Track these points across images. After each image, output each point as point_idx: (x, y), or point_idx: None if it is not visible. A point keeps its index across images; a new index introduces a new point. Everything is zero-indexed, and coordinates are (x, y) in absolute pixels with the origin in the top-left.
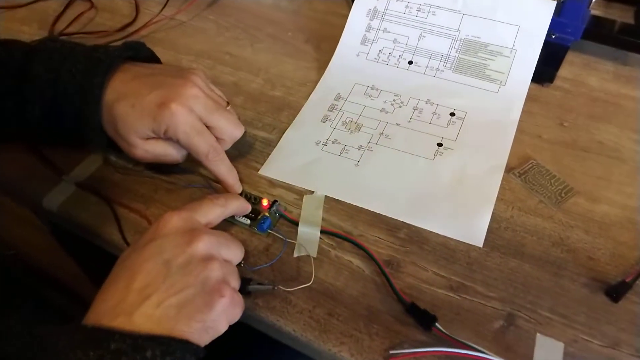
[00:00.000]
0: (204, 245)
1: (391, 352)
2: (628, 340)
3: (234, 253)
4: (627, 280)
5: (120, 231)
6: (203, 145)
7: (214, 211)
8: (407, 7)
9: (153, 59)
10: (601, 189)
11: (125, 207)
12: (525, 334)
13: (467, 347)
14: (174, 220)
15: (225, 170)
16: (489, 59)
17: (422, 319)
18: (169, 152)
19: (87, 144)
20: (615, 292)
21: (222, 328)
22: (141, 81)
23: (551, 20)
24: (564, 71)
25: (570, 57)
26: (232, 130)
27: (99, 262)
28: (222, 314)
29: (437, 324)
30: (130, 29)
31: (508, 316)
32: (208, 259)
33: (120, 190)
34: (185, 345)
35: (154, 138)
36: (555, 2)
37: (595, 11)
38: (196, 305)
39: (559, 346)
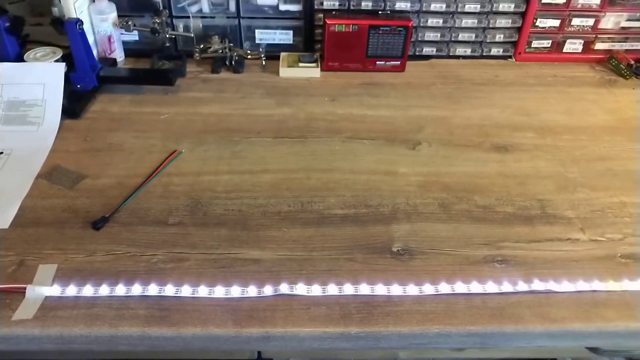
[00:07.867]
0: None
1: None
2: (118, 249)
3: None
4: (106, 215)
5: None
6: None
7: None
8: None
9: None
10: (108, 170)
11: None
12: (37, 267)
13: None
14: None
15: None
16: (28, 110)
17: None
18: None
19: None
20: (96, 224)
21: None
22: None
23: (71, 76)
24: (96, 107)
25: (102, 97)
26: None
27: None
28: None
29: None
30: None
31: (20, 262)
32: None
33: None
34: None
35: None
36: (64, 65)
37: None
38: None
39: (53, 266)
